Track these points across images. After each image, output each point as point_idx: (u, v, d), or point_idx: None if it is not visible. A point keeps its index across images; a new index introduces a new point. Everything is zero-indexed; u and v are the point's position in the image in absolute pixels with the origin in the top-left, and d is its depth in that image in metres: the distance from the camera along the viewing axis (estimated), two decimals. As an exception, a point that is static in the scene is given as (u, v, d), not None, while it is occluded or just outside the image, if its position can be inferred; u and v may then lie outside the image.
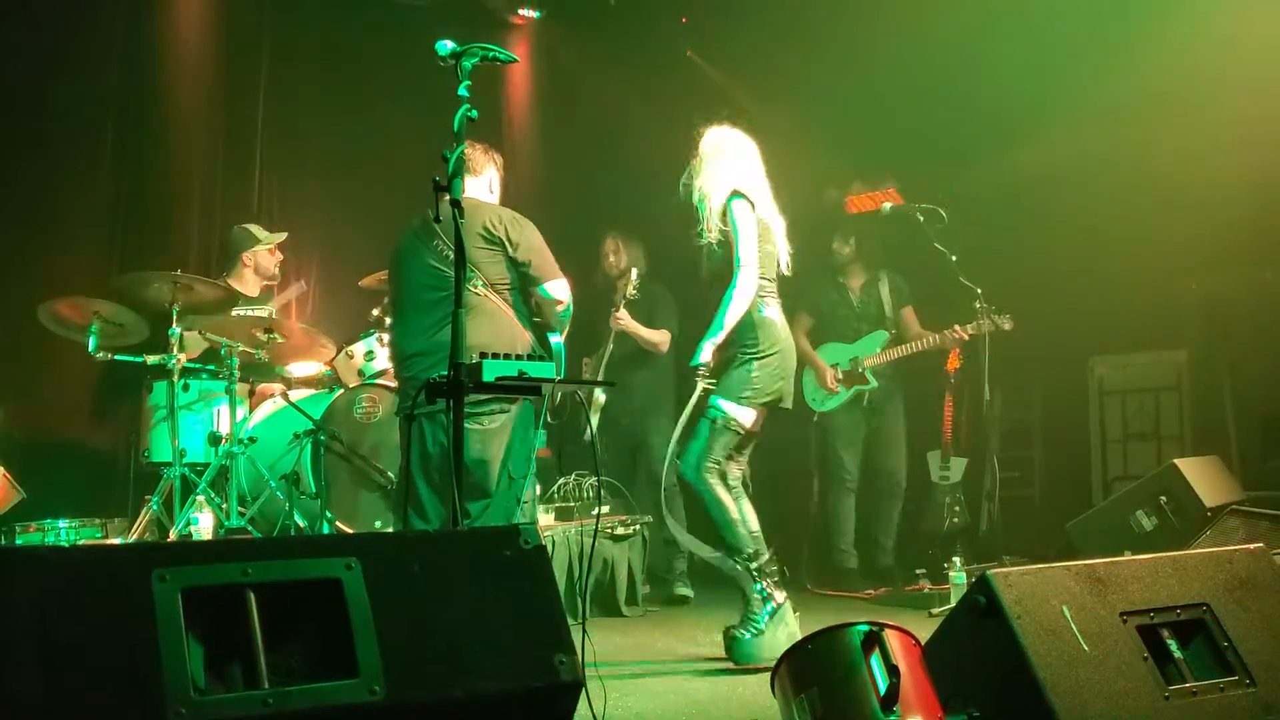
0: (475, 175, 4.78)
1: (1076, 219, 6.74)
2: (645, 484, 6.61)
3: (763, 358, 4.58)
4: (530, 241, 4.63)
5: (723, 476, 4.62)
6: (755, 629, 4.46)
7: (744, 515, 4.62)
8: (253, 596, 1.90)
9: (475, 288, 4.46)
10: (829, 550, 6.84)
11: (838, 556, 6.76)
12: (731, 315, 4.52)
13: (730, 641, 4.49)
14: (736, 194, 4.64)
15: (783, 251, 4.77)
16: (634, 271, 6.42)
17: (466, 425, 4.25)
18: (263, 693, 1.85)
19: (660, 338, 6.55)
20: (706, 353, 4.53)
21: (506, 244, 4.56)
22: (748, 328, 4.58)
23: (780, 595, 4.52)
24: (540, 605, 2.09)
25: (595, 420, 6.29)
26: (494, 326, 4.46)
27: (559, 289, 4.69)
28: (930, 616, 5.28)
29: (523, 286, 4.66)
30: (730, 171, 4.71)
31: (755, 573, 4.52)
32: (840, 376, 6.76)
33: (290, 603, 1.94)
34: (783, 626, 4.45)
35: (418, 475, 4.44)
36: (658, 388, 6.66)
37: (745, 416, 4.59)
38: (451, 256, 4.22)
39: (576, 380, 5.59)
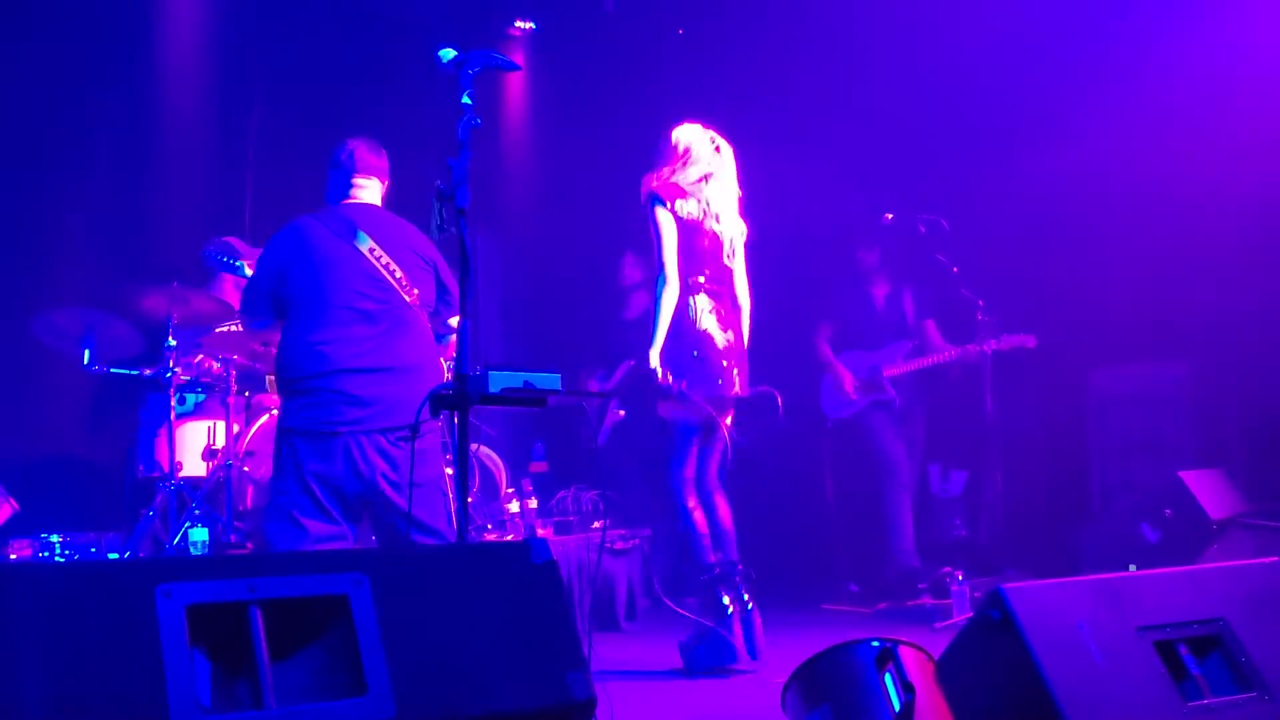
0: (382, 181, 4.38)
1: (1078, 229, 6.72)
2: (661, 503, 6.62)
3: (683, 353, 4.71)
4: (447, 269, 4.37)
5: (695, 483, 4.85)
6: (712, 636, 4.62)
7: (715, 522, 4.83)
8: (259, 613, 1.86)
9: (409, 301, 4.17)
10: (878, 553, 6.68)
11: (900, 557, 6.54)
12: (661, 321, 4.70)
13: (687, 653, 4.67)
14: (654, 197, 4.80)
15: (725, 241, 4.90)
16: None
17: (400, 448, 3.92)
18: (269, 713, 1.80)
19: None
20: (653, 360, 4.68)
21: (436, 267, 4.32)
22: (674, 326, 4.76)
23: (728, 600, 4.65)
24: (552, 621, 2.04)
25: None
26: (426, 345, 4.20)
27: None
28: (934, 631, 5.24)
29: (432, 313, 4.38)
30: (660, 172, 4.88)
31: (718, 582, 4.69)
32: (859, 384, 6.72)
33: (297, 620, 1.90)
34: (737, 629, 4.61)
35: (312, 494, 3.93)
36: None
37: (683, 413, 4.74)
38: (389, 265, 4.09)
39: (579, 393, 5.57)
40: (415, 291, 4.16)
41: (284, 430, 4.05)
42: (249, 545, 5.32)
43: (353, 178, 4.27)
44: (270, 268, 4.19)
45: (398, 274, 4.12)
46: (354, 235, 4.13)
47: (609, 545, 6.03)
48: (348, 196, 4.27)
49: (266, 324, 4.26)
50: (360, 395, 3.95)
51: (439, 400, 2.90)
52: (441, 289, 4.33)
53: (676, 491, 4.79)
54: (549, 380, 3.04)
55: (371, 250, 4.12)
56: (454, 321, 4.33)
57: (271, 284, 4.16)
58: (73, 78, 6.30)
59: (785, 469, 7.45)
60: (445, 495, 4.14)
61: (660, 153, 4.94)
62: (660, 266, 4.73)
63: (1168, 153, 6.32)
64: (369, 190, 4.31)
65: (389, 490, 3.94)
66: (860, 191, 7.26)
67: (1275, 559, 2.92)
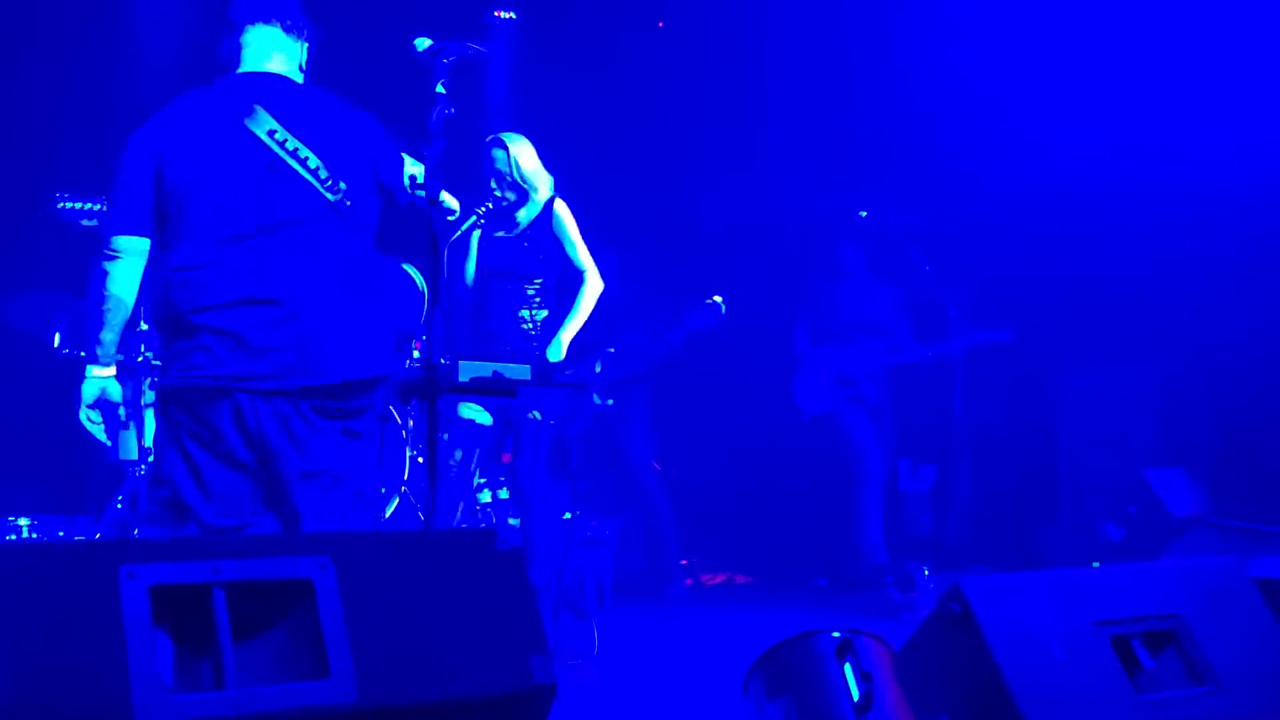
0: (296, 39, 3.34)
1: (1050, 229, 6.78)
2: (630, 493, 6.67)
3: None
4: (397, 159, 3.33)
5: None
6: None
7: None
8: (223, 595, 1.87)
9: (331, 202, 3.10)
10: (846, 547, 6.69)
11: (868, 551, 6.52)
12: (583, 317, 4.80)
13: None
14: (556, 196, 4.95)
15: None
16: None
17: (319, 422, 3.04)
18: (231, 694, 1.82)
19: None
20: (563, 349, 4.75)
21: (377, 158, 3.27)
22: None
23: None
24: (516, 607, 2.07)
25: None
26: (361, 269, 3.16)
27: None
28: (900, 625, 5.28)
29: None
30: (546, 177, 4.97)
31: None
32: (834, 379, 6.75)
33: (261, 602, 1.91)
34: None
35: (199, 478, 3.02)
36: (632, 391, 6.68)
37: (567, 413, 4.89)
38: (300, 153, 3.08)
39: (549, 383, 5.60)
40: (340, 187, 3.10)
41: (160, 393, 3.07)
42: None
43: (242, 36, 3.23)
44: (142, 163, 3.05)
45: (314, 164, 3.08)
46: (249, 113, 3.09)
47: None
48: (239, 64, 3.23)
49: (144, 237, 3.05)
50: (256, 339, 2.94)
51: (408, 389, 2.90)
52: (381, 190, 3.27)
53: (549, 497, 4.78)
54: (518, 370, 3.06)
55: (273, 133, 3.07)
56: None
57: (146, 185, 3.04)
58: (45, 56, 6.27)
59: (759, 462, 7.49)
60: (371, 503, 3.31)
61: (514, 158, 4.92)
62: (580, 262, 4.83)
63: (1141, 156, 6.38)
64: (283, 60, 3.28)
65: (289, 479, 3.02)
66: (836, 188, 7.31)
67: (1232, 556, 2.97)
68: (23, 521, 5.33)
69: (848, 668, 2.56)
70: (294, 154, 3.05)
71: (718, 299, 5.76)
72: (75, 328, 5.36)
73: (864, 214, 6.35)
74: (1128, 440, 6.57)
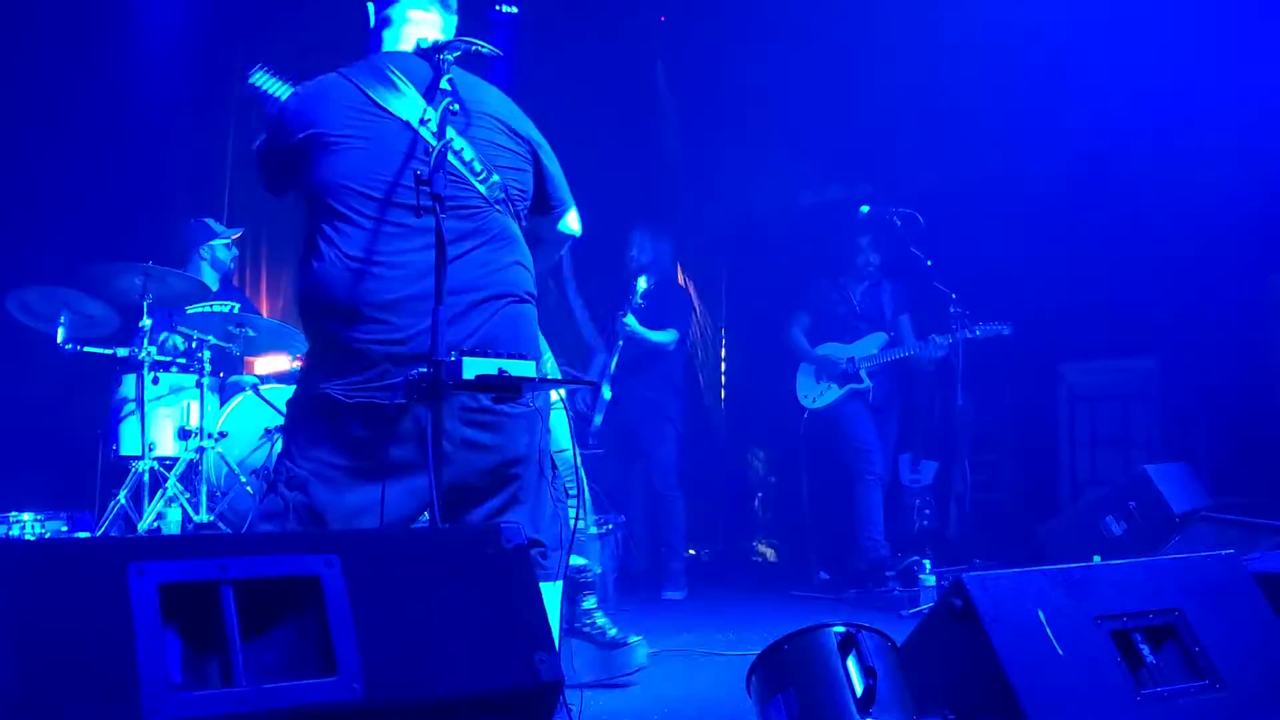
0: (453, 15, 3.23)
1: (1052, 225, 6.79)
2: (642, 492, 6.67)
3: None
4: (548, 150, 3.23)
5: None
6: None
7: None
8: (231, 593, 1.88)
9: (495, 204, 3.01)
10: (848, 542, 6.69)
11: (869, 546, 6.50)
12: None
13: None
14: None
15: None
16: (645, 278, 6.44)
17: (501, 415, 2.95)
18: (240, 690, 1.83)
19: (665, 338, 6.61)
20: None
21: (535, 148, 3.19)
22: None
23: None
24: (522, 604, 2.08)
25: (598, 419, 6.32)
26: (522, 267, 3.09)
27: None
28: (901, 618, 5.30)
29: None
30: None
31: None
32: (835, 375, 6.76)
33: (269, 599, 1.92)
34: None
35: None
36: (661, 395, 6.68)
37: None
38: (460, 147, 2.98)
39: (562, 380, 5.60)
40: (494, 180, 3.01)
41: (320, 399, 2.87)
42: (220, 526, 5.34)
43: (392, 9, 3.12)
44: (289, 132, 2.96)
45: (469, 155, 2.98)
46: (404, 101, 2.95)
47: (584, 530, 6.07)
48: (395, 41, 3.11)
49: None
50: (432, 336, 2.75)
51: (412, 386, 2.88)
52: (545, 178, 3.19)
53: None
54: (524, 367, 3.05)
55: (419, 143, 2.92)
56: (572, 224, 3.31)
57: (288, 158, 2.97)
58: (49, 54, 6.28)
59: (760, 458, 7.51)
60: (550, 482, 3.11)
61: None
62: None
63: (1143, 153, 6.39)
64: (425, 29, 3.11)
65: (481, 473, 2.93)
66: (838, 184, 7.32)
67: (1231, 551, 2.99)
68: (25, 516, 5.34)
69: (851, 662, 2.57)
70: (453, 147, 2.92)
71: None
72: (78, 324, 5.37)
73: (865, 209, 6.36)
74: (1130, 436, 6.58)
